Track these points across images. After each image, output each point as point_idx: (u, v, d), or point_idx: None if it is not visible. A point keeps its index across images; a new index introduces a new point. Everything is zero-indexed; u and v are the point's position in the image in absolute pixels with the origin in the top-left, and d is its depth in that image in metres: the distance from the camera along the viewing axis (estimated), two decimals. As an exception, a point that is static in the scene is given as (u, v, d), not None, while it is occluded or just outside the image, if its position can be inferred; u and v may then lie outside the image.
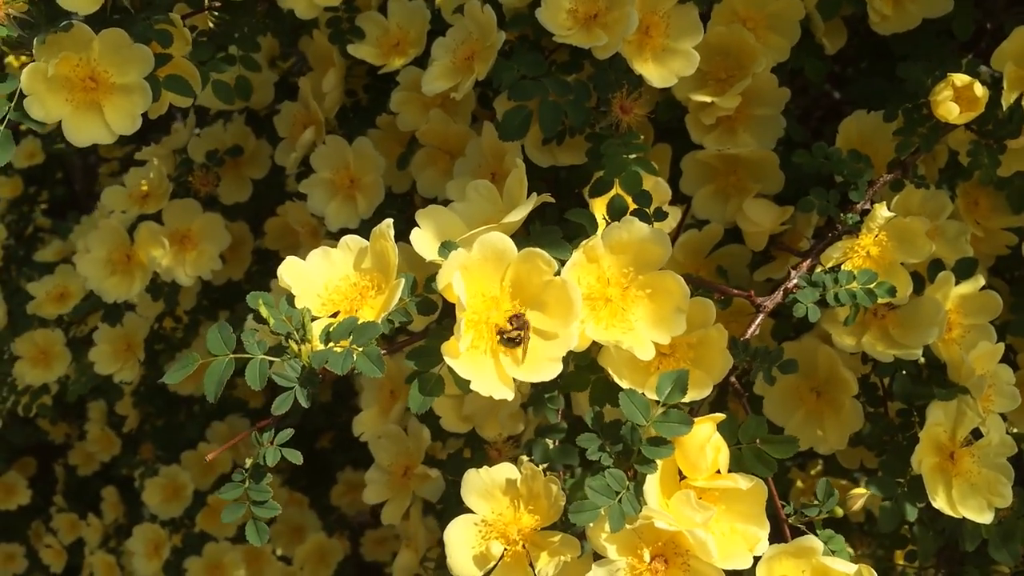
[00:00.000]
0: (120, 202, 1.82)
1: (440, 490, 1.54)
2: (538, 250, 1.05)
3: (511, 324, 1.04)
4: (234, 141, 1.84)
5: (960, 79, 1.39)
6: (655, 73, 1.40)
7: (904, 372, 1.44)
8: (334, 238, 1.68)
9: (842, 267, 1.35)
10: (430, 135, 1.56)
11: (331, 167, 1.62)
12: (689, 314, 1.12)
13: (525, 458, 1.13)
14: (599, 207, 1.47)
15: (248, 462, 1.09)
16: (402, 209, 1.66)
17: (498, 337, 1.05)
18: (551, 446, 1.42)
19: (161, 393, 2.23)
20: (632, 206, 1.36)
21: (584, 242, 1.10)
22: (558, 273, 1.06)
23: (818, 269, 1.36)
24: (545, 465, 1.14)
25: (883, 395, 1.51)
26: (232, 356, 1.03)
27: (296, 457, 1.07)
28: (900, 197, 1.46)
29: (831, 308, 1.29)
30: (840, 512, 1.21)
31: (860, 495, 1.24)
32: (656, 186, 1.46)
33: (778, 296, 1.32)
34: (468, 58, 1.42)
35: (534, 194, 1.15)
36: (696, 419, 1.06)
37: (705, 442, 1.07)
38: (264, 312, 1.09)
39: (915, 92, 1.49)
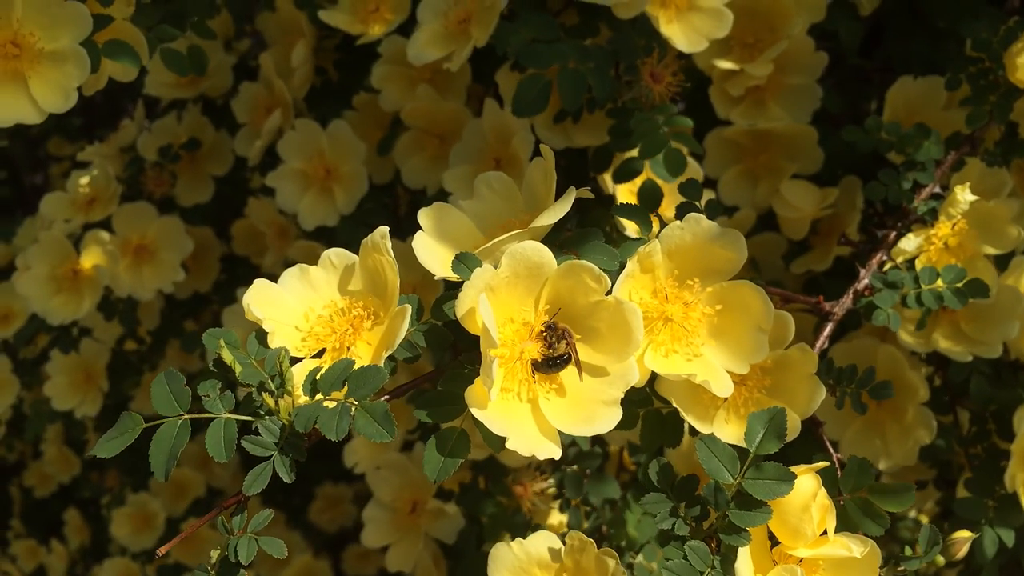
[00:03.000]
0: (62, 210, 1.47)
1: (458, 528, 1.25)
2: (585, 263, 0.78)
3: (546, 337, 0.77)
4: (190, 134, 1.53)
5: (1042, 36, 1.08)
6: (681, 36, 1.12)
7: (980, 373, 1.16)
8: (308, 239, 1.38)
9: (916, 262, 1.08)
10: (417, 115, 1.30)
11: (302, 156, 1.36)
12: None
13: (568, 527, 0.81)
14: (625, 197, 1.17)
15: (214, 554, 0.76)
16: (384, 203, 1.43)
17: (534, 369, 0.78)
18: (585, 479, 1.18)
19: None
20: (666, 191, 1.07)
21: (640, 248, 0.82)
22: (609, 291, 0.79)
23: (888, 265, 1.08)
24: (594, 526, 0.82)
25: (950, 400, 1.21)
26: (186, 416, 0.75)
27: (280, 551, 0.75)
28: (957, 176, 1.16)
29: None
30: (942, 562, 0.92)
31: (964, 539, 0.93)
32: (688, 170, 1.17)
33: (848, 301, 1.04)
34: (463, 21, 1.15)
35: (571, 189, 0.83)
36: (796, 470, 0.79)
37: (809, 500, 0.79)
38: (227, 356, 0.78)
39: (960, 54, 1.19)
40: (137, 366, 1.69)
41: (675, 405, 0.87)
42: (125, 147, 1.56)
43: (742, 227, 1.29)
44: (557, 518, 1.19)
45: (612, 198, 1.21)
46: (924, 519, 0.89)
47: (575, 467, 1.18)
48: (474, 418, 0.75)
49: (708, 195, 1.18)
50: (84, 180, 1.45)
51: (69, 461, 2.07)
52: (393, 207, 1.45)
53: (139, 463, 1.79)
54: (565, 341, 0.78)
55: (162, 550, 0.79)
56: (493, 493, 1.19)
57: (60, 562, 2.13)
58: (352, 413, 0.73)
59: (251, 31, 1.72)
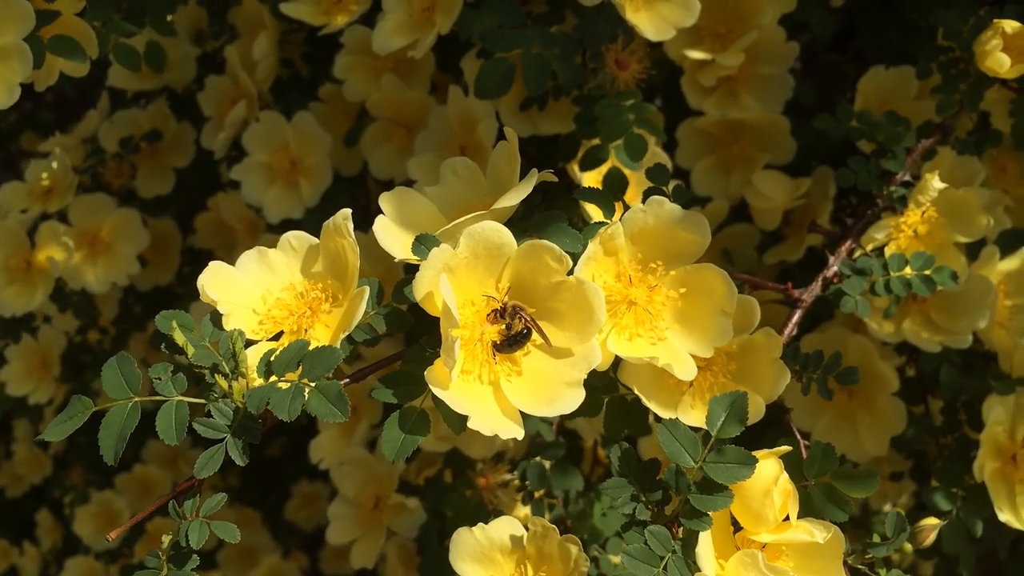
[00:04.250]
0: (19, 200, 1.45)
1: (419, 523, 1.24)
2: (546, 243, 0.79)
3: (503, 316, 0.78)
4: (151, 125, 1.52)
5: (1011, 26, 1.09)
6: (648, 24, 1.12)
7: (951, 363, 1.18)
8: (276, 232, 1.38)
9: (886, 249, 1.09)
10: (383, 105, 1.31)
11: (267, 148, 1.36)
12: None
13: (532, 516, 0.81)
14: (592, 184, 1.17)
15: (165, 540, 0.76)
16: (354, 196, 1.43)
17: (495, 350, 0.80)
18: (548, 468, 1.18)
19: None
20: (633, 181, 1.11)
21: (601, 230, 0.83)
22: (571, 272, 0.80)
23: (858, 253, 1.10)
24: (558, 516, 0.82)
25: (922, 390, 1.23)
26: (137, 400, 0.75)
27: (232, 535, 0.75)
28: (929, 165, 1.17)
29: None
30: (910, 549, 0.94)
31: (932, 526, 0.94)
32: (654, 157, 1.18)
33: (817, 288, 1.06)
34: (427, 9, 1.16)
35: (533, 171, 0.84)
36: (758, 454, 0.79)
37: (771, 485, 0.79)
38: (180, 338, 0.78)
39: (932, 44, 1.21)
40: (101, 357, 1.68)
41: (637, 392, 0.87)
42: (87, 138, 1.55)
43: (715, 218, 1.31)
44: (522, 511, 1.19)
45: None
46: (899, 511, 0.90)
47: (538, 458, 1.18)
48: (435, 397, 0.76)
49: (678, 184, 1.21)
50: (42, 170, 1.44)
51: (40, 461, 2.06)
52: (363, 200, 1.45)
53: (103, 460, 1.78)
54: (519, 317, 0.78)
55: (112, 535, 0.78)
56: (457, 486, 1.19)
57: (32, 564, 2.11)
58: (306, 394, 0.73)
59: (229, 28, 1.72)
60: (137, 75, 1.48)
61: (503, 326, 0.78)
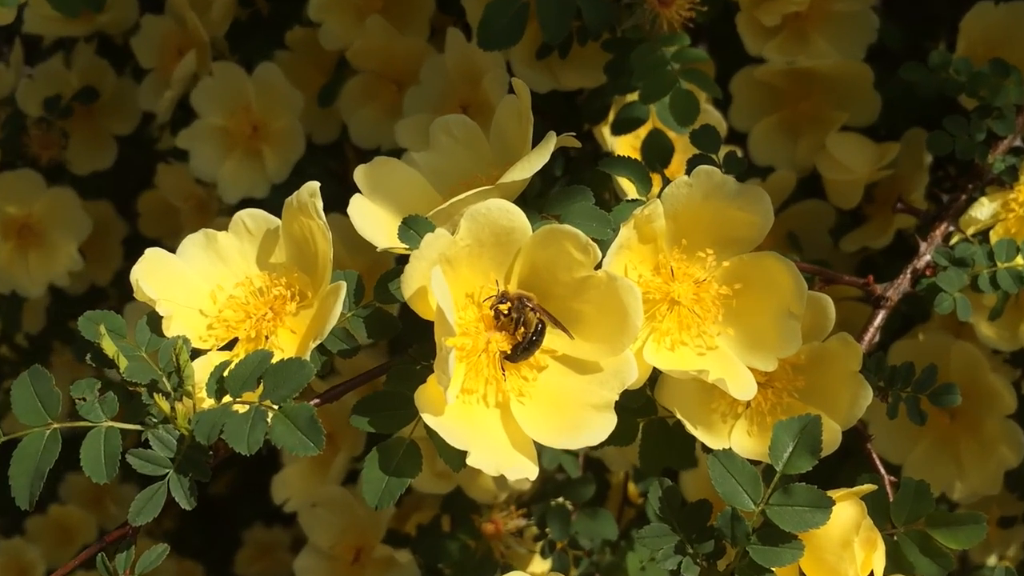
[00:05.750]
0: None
1: (412, 582, 1.25)
2: (568, 228, 0.77)
3: (506, 312, 0.77)
4: (84, 81, 1.53)
5: None
6: None
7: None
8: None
9: (991, 234, 1.08)
10: (368, 55, 1.31)
11: (223, 109, 1.37)
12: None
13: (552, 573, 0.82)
14: (626, 153, 1.16)
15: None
16: (330, 168, 1.43)
17: (503, 359, 0.79)
18: (572, 511, 1.18)
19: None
20: (677, 148, 1.09)
21: (637, 211, 0.82)
22: (599, 265, 0.79)
23: (956, 238, 1.09)
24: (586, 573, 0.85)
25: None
26: (56, 426, 0.75)
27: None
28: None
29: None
30: None
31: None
32: (703, 116, 1.18)
33: (905, 282, 1.05)
34: None
35: (551, 135, 0.84)
36: (834, 494, 0.78)
37: (851, 533, 0.79)
38: (109, 347, 0.77)
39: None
40: (12, 371, 1.69)
41: (680, 415, 0.87)
42: (2, 99, 1.55)
43: (779, 193, 1.30)
44: (540, 566, 1.19)
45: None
46: (1008, 567, 0.89)
47: (561, 499, 1.17)
48: (427, 427, 0.74)
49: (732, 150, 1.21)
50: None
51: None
52: (340, 173, 1.45)
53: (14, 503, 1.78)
54: (528, 308, 0.77)
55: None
56: (457, 535, 1.19)
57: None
58: (269, 419, 0.72)
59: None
60: (60, 16, 1.45)
61: (512, 330, 0.77)
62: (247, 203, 1.31)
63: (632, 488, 1.37)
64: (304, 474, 1.36)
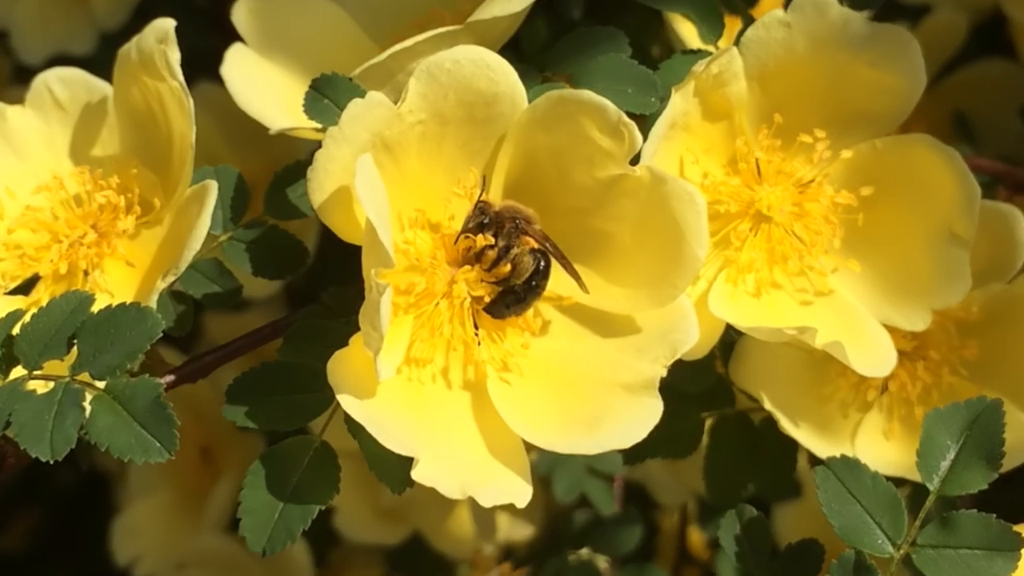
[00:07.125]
0: None
1: None
2: (587, 94, 0.70)
3: (490, 236, 0.70)
4: None
5: None
6: None
7: None
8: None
9: None
10: None
11: None
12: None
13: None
14: None
15: None
16: (199, 7, 1.36)
17: (476, 309, 0.72)
18: (606, 569, 1.11)
19: None
20: None
21: (698, 66, 0.74)
22: (638, 158, 0.73)
23: None
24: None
25: None
26: None
27: None
28: None
29: None
30: None
31: None
32: None
33: None
34: None
35: None
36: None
37: None
38: None
39: None
40: None
41: (771, 406, 0.81)
42: None
43: (938, 45, 1.22)
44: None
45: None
46: None
47: (586, 551, 1.07)
48: (348, 418, 0.66)
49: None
50: None
51: None
52: (215, 14, 1.35)
53: None
54: (522, 231, 0.70)
55: None
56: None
57: None
58: (87, 404, 0.66)
59: None
60: None
61: (492, 265, 0.70)
62: (58, 62, 1.24)
63: (696, 536, 1.28)
64: (163, 515, 1.26)
